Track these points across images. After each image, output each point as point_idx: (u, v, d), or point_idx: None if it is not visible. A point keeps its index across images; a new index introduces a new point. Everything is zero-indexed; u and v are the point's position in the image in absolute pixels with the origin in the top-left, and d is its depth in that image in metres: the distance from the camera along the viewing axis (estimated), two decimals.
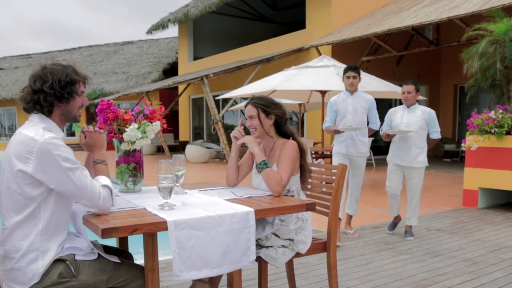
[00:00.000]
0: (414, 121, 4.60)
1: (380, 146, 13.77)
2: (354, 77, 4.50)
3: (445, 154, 15.03)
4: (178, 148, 18.91)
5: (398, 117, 4.72)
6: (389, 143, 4.86)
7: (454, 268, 3.66)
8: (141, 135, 2.35)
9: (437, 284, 3.29)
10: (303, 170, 2.56)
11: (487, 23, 6.94)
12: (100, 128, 2.31)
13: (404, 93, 4.68)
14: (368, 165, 12.71)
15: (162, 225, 1.78)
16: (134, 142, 2.37)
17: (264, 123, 2.55)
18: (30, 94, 1.90)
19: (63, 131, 2.02)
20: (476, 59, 6.62)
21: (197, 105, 19.92)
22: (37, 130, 1.83)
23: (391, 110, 4.86)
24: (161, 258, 1.90)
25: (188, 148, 14.61)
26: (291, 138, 2.58)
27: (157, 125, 2.40)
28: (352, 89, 4.52)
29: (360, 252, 4.11)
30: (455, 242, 4.46)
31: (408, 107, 4.69)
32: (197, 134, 20.15)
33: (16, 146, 1.83)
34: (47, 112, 1.92)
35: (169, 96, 20.00)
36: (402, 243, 4.42)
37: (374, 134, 5.92)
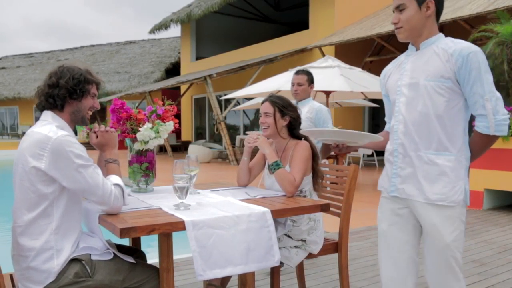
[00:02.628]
0: None
1: None
2: (400, 9, 1.87)
3: None
4: (180, 148, 18.90)
5: None
6: None
7: (463, 269, 3.65)
8: (154, 135, 2.35)
9: None
10: (315, 173, 2.56)
11: (491, 24, 6.95)
12: (112, 127, 2.32)
13: (293, 85, 3.61)
14: (371, 165, 12.66)
15: (180, 225, 1.78)
16: (147, 141, 2.37)
17: (278, 123, 2.55)
18: (46, 88, 1.95)
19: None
20: None
21: (199, 105, 19.93)
22: (50, 128, 1.86)
23: None
24: None
25: (191, 148, 14.62)
26: (303, 138, 2.58)
27: (170, 125, 2.40)
28: (403, 36, 1.91)
29: (367, 253, 4.10)
30: None
31: (297, 103, 3.64)
32: (199, 134, 20.16)
33: (30, 143, 1.84)
34: (60, 107, 1.95)
35: (171, 96, 19.91)
36: None
37: None
